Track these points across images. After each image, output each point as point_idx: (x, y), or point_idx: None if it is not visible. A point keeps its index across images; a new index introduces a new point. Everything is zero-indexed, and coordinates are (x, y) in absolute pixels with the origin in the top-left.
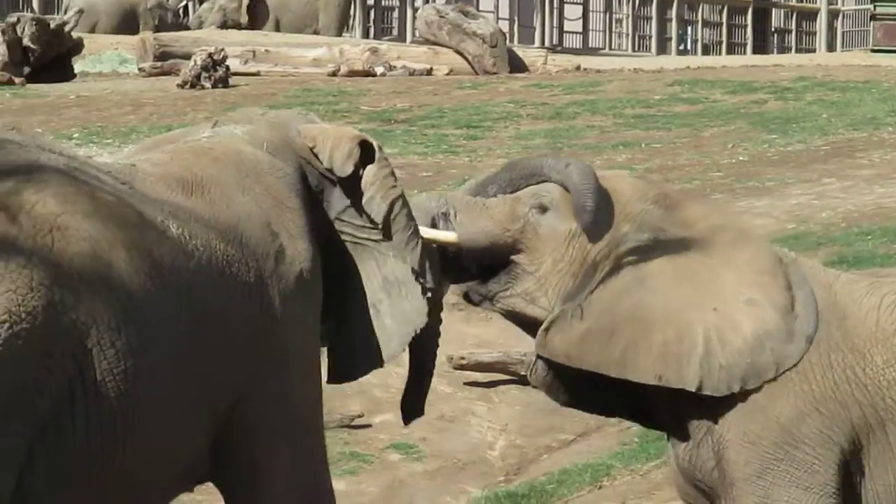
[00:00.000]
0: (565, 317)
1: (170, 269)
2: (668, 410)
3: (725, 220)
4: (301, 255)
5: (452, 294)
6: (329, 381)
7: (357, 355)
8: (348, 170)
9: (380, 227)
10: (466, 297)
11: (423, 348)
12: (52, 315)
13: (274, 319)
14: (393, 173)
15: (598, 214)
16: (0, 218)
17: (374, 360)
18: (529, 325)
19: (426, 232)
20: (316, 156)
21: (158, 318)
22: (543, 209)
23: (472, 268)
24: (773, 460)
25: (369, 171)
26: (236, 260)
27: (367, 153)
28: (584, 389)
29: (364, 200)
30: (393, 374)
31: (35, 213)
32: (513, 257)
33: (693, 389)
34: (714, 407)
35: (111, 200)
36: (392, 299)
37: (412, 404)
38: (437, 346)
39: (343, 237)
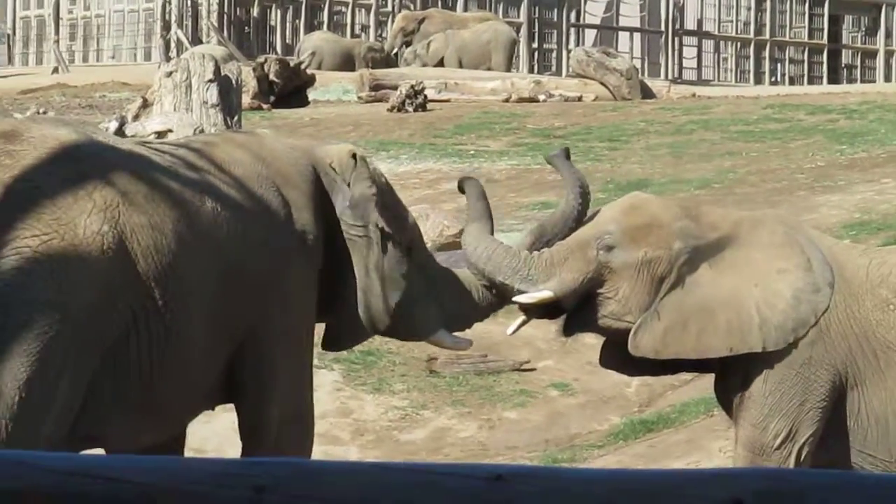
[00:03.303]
0: (646, 322)
1: (205, 235)
2: (717, 361)
3: (740, 214)
4: (305, 223)
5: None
6: (322, 349)
7: (344, 330)
8: (348, 177)
9: (359, 223)
10: (565, 329)
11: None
12: (117, 272)
13: (280, 273)
14: (371, 177)
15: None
16: (80, 193)
17: (357, 335)
18: (622, 337)
19: (529, 298)
20: (333, 168)
21: (196, 273)
22: (610, 248)
23: (569, 308)
24: (785, 376)
25: (353, 178)
26: (254, 226)
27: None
28: (643, 363)
29: (350, 202)
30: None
31: (107, 191)
32: (598, 290)
33: (760, 350)
34: None
35: (162, 181)
36: (373, 284)
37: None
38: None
39: (343, 233)
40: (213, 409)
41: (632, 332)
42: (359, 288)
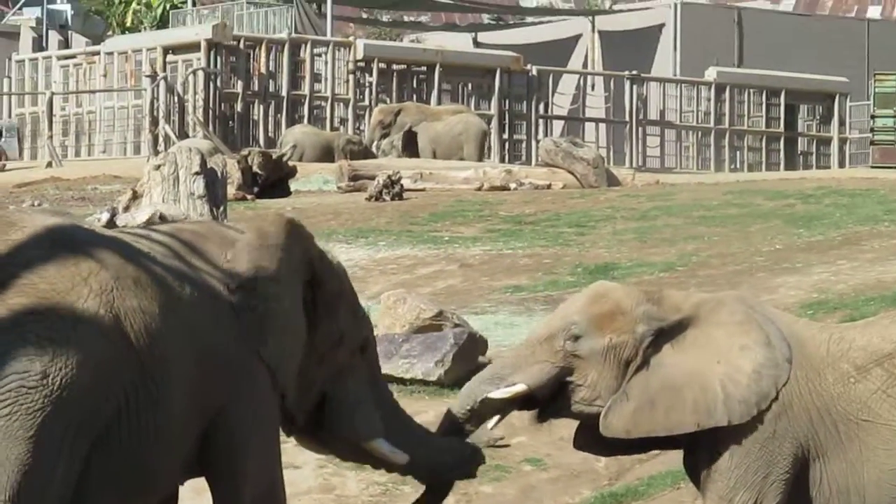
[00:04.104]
0: (616, 403)
1: (184, 320)
2: (686, 436)
3: (701, 296)
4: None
5: None
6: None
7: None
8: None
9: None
10: (540, 417)
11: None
12: (113, 354)
13: (246, 356)
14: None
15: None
16: (77, 279)
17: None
18: (594, 420)
19: (503, 393)
20: None
21: (176, 354)
22: (577, 337)
23: (542, 398)
24: (750, 450)
25: None
26: (225, 310)
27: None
28: (616, 443)
29: None
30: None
31: (101, 276)
32: (567, 378)
33: (725, 424)
34: None
35: (146, 268)
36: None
37: None
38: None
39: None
40: (182, 483)
41: (602, 415)
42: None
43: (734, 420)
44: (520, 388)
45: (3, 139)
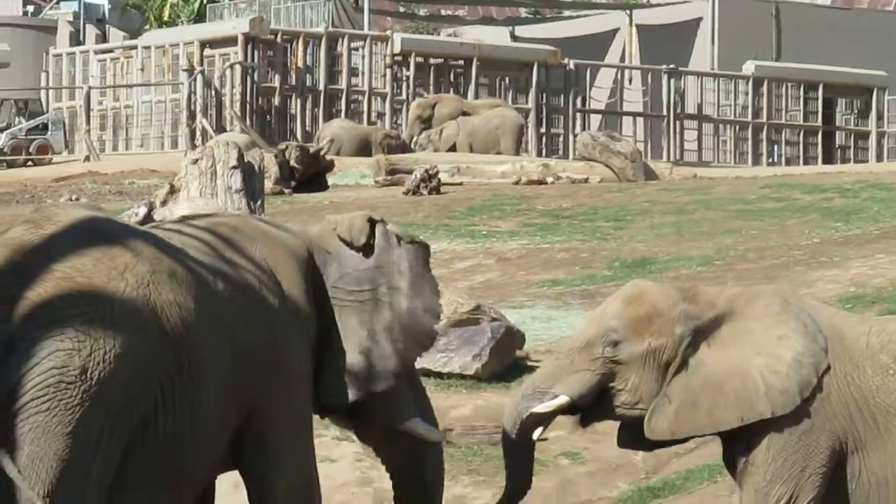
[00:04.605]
0: (658, 407)
1: (219, 315)
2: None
3: (733, 290)
4: (298, 300)
5: None
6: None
7: (330, 391)
8: (362, 240)
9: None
10: (583, 422)
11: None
12: (150, 348)
13: (281, 348)
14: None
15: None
16: (113, 273)
17: (342, 396)
18: (637, 424)
19: (546, 407)
20: (340, 235)
21: (212, 349)
22: (616, 343)
23: (585, 406)
24: (787, 443)
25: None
26: (257, 305)
27: (374, 228)
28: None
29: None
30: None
31: (137, 271)
32: (608, 384)
33: (769, 416)
34: None
35: (182, 262)
36: (378, 346)
37: None
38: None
39: (334, 301)
40: (215, 478)
41: (646, 419)
42: (357, 352)
43: (777, 411)
44: (562, 400)
45: (49, 132)
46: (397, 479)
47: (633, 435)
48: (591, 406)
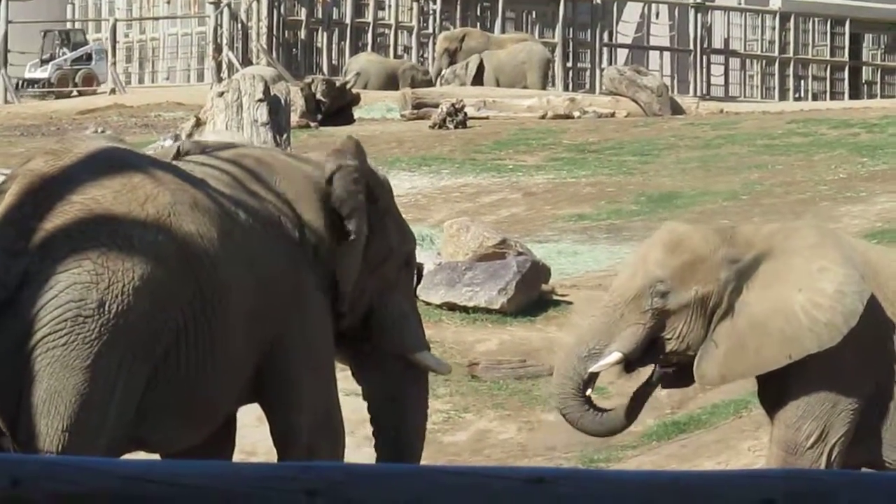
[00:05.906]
0: (706, 352)
1: (241, 246)
2: None
3: (769, 227)
4: (317, 236)
5: None
6: None
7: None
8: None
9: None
10: (627, 369)
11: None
12: (171, 280)
13: (302, 281)
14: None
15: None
16: (133, 204)
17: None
18: (687, 370)
19: (602, 366)
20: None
21: (234, 280)
22: (664, 294)
23: (635, 358)
24: (819, 379)
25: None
26: (280, 237)
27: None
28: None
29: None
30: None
31: (158, 201)
32: (660, 335)
33: (817, 350)
34: None
35: (201, 193)
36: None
37: None
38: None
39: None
40: (236, 411)
41: (695, 365)
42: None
43: (825, 344)
44: (618, 356)
45: (93, 62)
46: (377, 406)
47: (674, 376)
48: (640, 356)
